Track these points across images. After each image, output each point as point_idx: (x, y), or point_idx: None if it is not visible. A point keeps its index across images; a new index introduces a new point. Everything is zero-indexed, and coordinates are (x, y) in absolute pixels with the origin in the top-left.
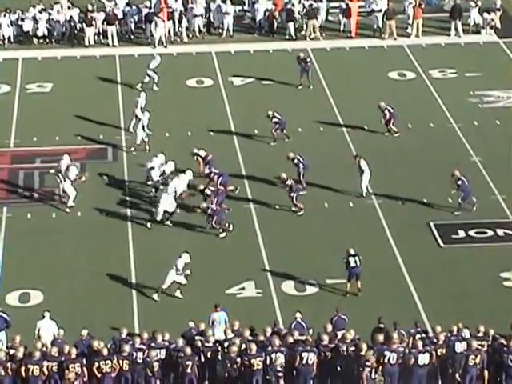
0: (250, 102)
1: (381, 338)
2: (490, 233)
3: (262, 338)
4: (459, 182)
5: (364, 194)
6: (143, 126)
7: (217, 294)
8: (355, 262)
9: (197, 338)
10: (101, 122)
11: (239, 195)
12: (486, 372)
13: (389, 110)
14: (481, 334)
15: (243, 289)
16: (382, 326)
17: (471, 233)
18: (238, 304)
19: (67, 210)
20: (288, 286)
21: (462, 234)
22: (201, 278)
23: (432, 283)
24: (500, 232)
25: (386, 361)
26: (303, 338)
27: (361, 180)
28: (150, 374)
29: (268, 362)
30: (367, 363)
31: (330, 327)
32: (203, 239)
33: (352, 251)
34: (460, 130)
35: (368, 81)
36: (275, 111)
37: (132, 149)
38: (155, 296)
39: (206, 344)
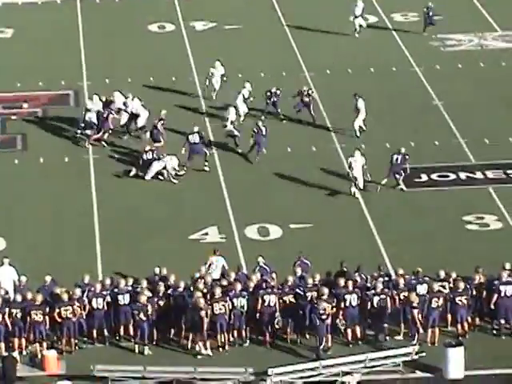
0: (211, 47)
1: (342, 281)
2: (453, 176)
3: (225, 282)
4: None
5: (358, 134)
6: None
7: (180, 239)
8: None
9: (160, 283)
10: (62, 67)
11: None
12: (448, 315)
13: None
14: (442, 277)
15: (206, 234)
16: (344, 269)
17: (434, 176)
18: (201, 249)
19: None
20: (251, 231)
21: (424, 177)
22: (164, 224)
23: (395, 227)
24: (462, 175)
25: (347, 304)
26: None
27: (354, 119)
28: (144, 318)
29: (231, 306)
30: (322, 310)
31: (299, 271)
32: (166, 186)
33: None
34: (422, 74)
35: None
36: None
37: None
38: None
39: (170, 289)
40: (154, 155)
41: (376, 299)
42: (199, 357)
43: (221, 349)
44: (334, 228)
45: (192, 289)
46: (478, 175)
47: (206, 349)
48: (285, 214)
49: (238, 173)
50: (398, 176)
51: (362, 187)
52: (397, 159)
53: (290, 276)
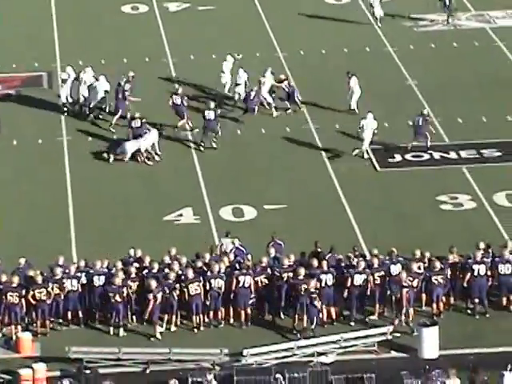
0: (185, 29)
1: (316, 262)
2: (427, 156)
3: (200, 264)
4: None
5: (356, 110)
6: None
7: (154, 221)
8: None
9: (134, 264)
10: (35, 49)
11: (176, 121)
12: (423, 295)
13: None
14: (417, 257)
15: (181, 215)
16: (319, 250)
17: (407, 156)
18: (175, 231)
19: None
20: (226, 212)
21: (398, 157)
22: (138, 206)
23: (369, 207)
24: (436, 155)
25: (322, 284)
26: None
27: (350, 98)
28: (120, 300)
29: (208, 287)
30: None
31: (272, 251)
32: (140, 168)
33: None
34: (395, 54)
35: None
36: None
37: None
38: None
39: (145, 271)
40: (142, 125)
41: (357, 277)
42: (152, 339)
43: (196, 330)
44: (309, 209)
45: (167, 270)
46: (452, 155)
47: (155, 332)
48: (259, 195)
49: (213, 154)
50: (423, 138)
51: (364, 149)
52: (418, 121)
53: (264, 257)
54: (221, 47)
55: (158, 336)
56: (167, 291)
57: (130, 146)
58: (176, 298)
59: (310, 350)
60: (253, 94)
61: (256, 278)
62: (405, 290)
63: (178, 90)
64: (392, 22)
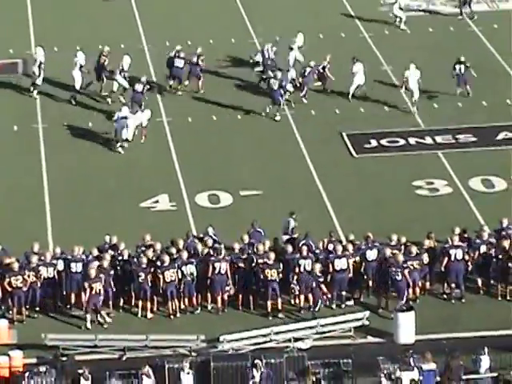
0: (160, 15)
1: (290, 248)
2: (402, 141)
3: (173, 250)
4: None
5: (350, 97)
6: None
7: (131, 207)
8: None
9: (109, 251)
10: (10, 36)
11: (152, 107)
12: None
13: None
14: (394, 243)
15: (157, 202)
16: (294, 236)
17: (383, 142)
18: (151, 217)
19: None
20: (202, 199)
21: (374, 143)
22: (115, 192)
23: (345, 193)
24: (412, 141)
25: (301, 270)
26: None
27: (351, 83)
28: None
29: (180, 274)
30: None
31: (246, 238)
32: (116, 154)
33: None
34: (371, 40)
35: None
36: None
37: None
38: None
39: (120, 258)
40: (145, 89)
41: (337, 262)
42: (105, 326)
43: (172, 316)
44: (285, 194)
45: (141, 256)
46: (428, 140)
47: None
48: (235, 181)
49: (189, 140)
50: (464, 85)
51: (416, 99)
52: (460, 69)
53: (236, 243)
54: (196, 33)
55: (106, 326)
56: (142, 277)
57: (131, 124)
58: (149, 284)
59: (287, 336)
60: (308, 69)
61: (236, 265)
62: (406, 271)
63: (141, 79)
64: (367, 7)
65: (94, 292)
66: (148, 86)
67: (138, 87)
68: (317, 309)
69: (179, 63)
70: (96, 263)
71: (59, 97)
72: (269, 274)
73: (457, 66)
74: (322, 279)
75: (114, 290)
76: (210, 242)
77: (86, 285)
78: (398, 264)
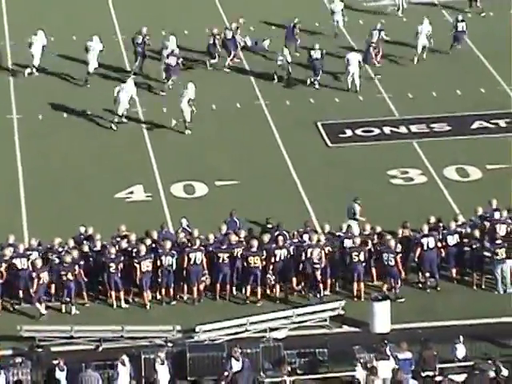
0: (135, 5)
1: (267, 238)
2: (377, 131)
3: (149, 241)
4: None
5: (349, 86)
6: None
7: (105, 198)
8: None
9: (85, 242)
10: None
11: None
12: (373, 269)
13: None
14: (367, 232)
15: (132, 193)
16: (269, 226)
17: (358, 131)
18: (126, 208)
19: None
20: (177, 189)
21: (349, 132)
22: (89, 183)
23: (320, 183)
24: (386, 130)
25: (277, 259)
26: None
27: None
28: (72, 278)
29: (159, 264)
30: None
31: (224, 228)
32: (91, 144)
33: None
34: (345, 30)
35: None
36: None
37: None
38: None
39: (94, 248)
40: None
41: (310, 251)
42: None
43: (147, 306)
44: (260, 185)
45: (111, 247)
46: (402, 129)
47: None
48: (210, 171)
49: (163, 130)
50: (457, 43)
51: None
52: (462, 27)
53: (211, 233)
54: (170, 22)
55: (44, 313)
56: (113, 267)
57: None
58: (120, 274)
59: (263, 326)
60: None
61: (214, 254)
62: (398, 256)
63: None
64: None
65: (41, 282)
66: (182, 59)
67: (172, 61)
68: (321, 294)
69: (172, 61)
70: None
71: (33, 87)
72: (252, 261)
73: (459, 24)
74: (318, 265)
75: (86, 280)
76: (182, 235)
77: (34, 275)
78: (391, 249)
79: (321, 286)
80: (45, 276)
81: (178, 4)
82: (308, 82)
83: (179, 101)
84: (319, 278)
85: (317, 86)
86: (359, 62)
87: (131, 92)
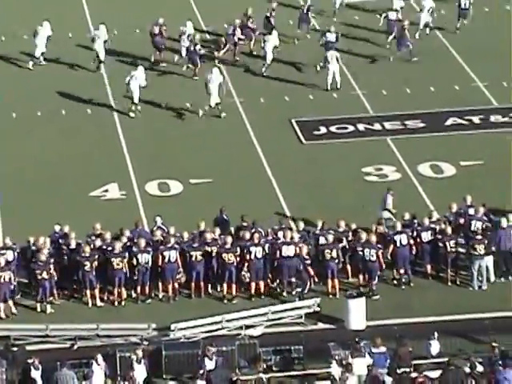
0: (109, 2)
1: (245, 234)
2: (351, 128)
3: (124, 239)
4: None
5: (328, 86)
6: None
7: (80, 196)
8: None
9: (60, 240)
10: None
11: (100, 99)
12: (348, 266)
13: None
14: (342, 229)
15: (107, 191)
16: (245, 224)
17: (332, 129)
18: (102, 206)
19: None
20: (152, 187)
21: (323, 130)
22: (64, 182)
23: (295, 180)
24: (361, 127)
25: (252, 257)
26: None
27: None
28: (46, 277)
29: (135, 262)
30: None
31: (202, 225)
32: (65, 143)
33: None
34: (319, 26)
35: None
36: None
37: None
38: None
39: (69, 247)
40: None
41: (285, 248)
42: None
43: (122, 303)
44: (235, 182)
45: (91, 246)
46: (377, 126)
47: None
48: (185, 169)
49: (137, 128)
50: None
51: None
52: (465, 4)
53: (186, 232)
54: (141, 21)
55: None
56: (87, 266)
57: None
58: (94, 273)
59: (239, 323)
60: None
61: (188, 253)
62: (380, 252)
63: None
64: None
65: (2, 281)
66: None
67: (191, 46)
68: (306, 291)
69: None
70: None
71: (5, 85)
72: (226, 257)
73: (462, 2)
74: (309, 261)
75: (56, 278)
76: (158, 233)
77: None
78: (373, 244)
79: (309, 281)
80: (5, 275)
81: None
82: (317, 67)
83: (208, 88)
84: (312, 272)
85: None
86: (337, 58)
87: (140, 80)
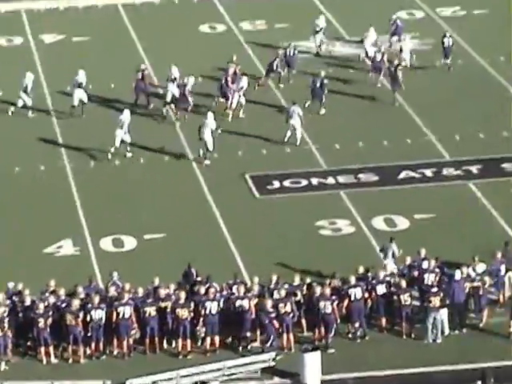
0: (61, 59)
1: (200, 289)
2: (305, 182)
3: (82, 295)
4: None
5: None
6: None
7: (34, 253)
8: None
9: (14, 297)
10: None
11: (53, 153)
12: (303, 320)
13: None
14: (296, 283)
15: (61, 247)
16: (199, 279)
17: (286, 183)
18: (56, 263)
19: None
20: (106, 243)
21: (276, 184)
22: (17, 238)
23: (249, 235)
24: (314, 181)
25: (207, 312)
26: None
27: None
28: (1, 334)
29: (88, 318)
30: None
31: (157, 280)
32: (17, 198)
33: None
34: (272, 81)
35: (179, 34)
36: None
37: None
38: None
39: (24, 304)
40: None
41: (238, 303)
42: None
43: (79, 361)
44: (189, 237)
45: (45, 303)
46: (330, 180)
47: None
48: (139, 224)
49: (90, 183)
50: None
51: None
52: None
53: (140, 287)
54: (95, 78)
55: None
56: (41, 322)
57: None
58: (49, 330)
59: (194, 379)
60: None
61: (144, 309)
62: (335, 304)
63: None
64: (267, 49)
65: None
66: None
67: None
68: (269, 344)
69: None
70: None
71: None
72: (180, 313)
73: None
74: (273, 315)
75: (11, 336)
76: (112, 289)
77: None
78: (327, 297)
79: (273, 335)
80: None
81: (106, 58)
82: (305, 105)
83: (202, 132)
84: (277, 326)
85: (322, 112)
86: (299, 115)
87: (127, 121)
